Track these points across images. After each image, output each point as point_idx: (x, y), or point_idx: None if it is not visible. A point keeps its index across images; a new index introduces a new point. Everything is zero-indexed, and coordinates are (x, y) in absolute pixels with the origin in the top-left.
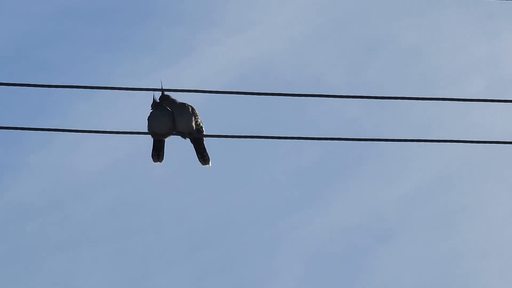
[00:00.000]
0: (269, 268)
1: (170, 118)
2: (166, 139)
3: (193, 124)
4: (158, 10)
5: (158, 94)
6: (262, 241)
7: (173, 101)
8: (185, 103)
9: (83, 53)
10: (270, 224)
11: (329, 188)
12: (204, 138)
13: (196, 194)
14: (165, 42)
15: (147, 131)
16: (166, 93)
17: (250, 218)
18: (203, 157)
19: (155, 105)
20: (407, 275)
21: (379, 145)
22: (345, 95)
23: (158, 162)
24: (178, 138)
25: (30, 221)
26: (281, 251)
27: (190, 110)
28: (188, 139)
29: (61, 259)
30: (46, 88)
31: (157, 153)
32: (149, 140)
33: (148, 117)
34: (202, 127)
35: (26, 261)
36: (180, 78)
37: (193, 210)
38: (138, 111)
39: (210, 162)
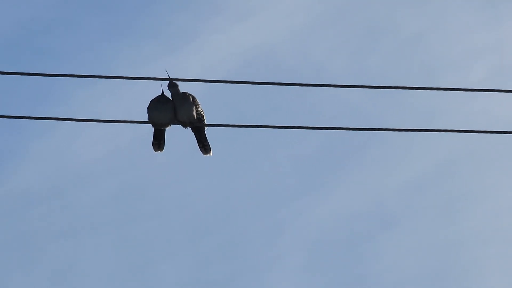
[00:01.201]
0: (271, 255)
1: (171, 109)
2: (167, 129)
3: (194, 113)
4: None
5: (165, 86)
6: (265, 229)
7: (177, 90)
8: (186, 92)
9: (86, 40)
10: (272, 211)
11: (332, 176)
12: (205, 127)
13: (198, 183)
14: (168, 29)
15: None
16: (174, 81)
17: (253, 205)
18: (204, 147)
19: (158, 98)
20: (410, 262)
21: (382, 133)
22: (347, 84)
23: (159, 151)
24: (179, 127)
25: (31, 209)
26: (283, 238)
27: (191, 99)
28: (189, 128)
29: (63, 246)
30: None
31: (158, 142)
32: (150, 128)
33: (148, 106)
34: (203, 116)
35: (28, 248)
36: (182, 65)
37: (196, 198)
38: (140, 98)
39: (211, 151)
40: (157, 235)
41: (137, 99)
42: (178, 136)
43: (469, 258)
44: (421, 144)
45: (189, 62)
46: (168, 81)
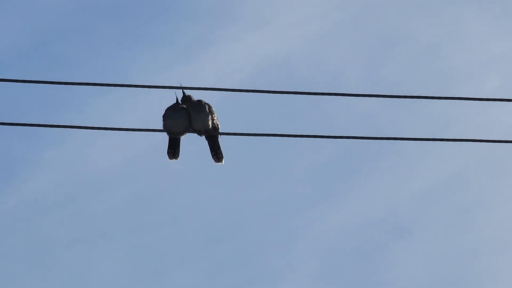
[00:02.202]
0: (285, 264)
1: (186, 117)
2: (182, 137)
3: (210, 122)
4: (176, 5)
5: (179, 94)
6: (278, 237)
7: (190, 99)
8: (201, 101)
9: (101, 48)
10: (286, 220)
11: (345, 185)
12: (219, 135)
13: (213, 191)
14: (183, 37)
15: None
16: (187, 93)
17: (266, 214)
18: (217, 155)
19: (173, 106)
20: (423, 271)
21: (396, 142)
22: (361, 93)
23: (174, 159)
24: (193, 134)
25: (46, 216)
26: (297, 247)
27: (207, 108)
28: (203, 136)
29: (77, 254)
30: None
31: (173, 151)
32: (165, 136)
33: (163, 115)
34: (218, 125)
35: (42, 256)
36: (197, 74)
37: (210, 206)
38: (155, 106)
39: (223, 160)
40: (170, 243)
41: (152, 107)
42: (193, 144)
43: (483, 267)
44: (435, 154)
45: (203, 70)
46: (182, 95)
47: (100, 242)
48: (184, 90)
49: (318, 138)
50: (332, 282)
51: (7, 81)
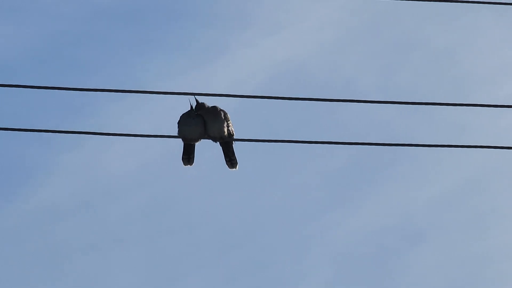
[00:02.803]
0: (299, 269)
1: (201, 124)
2: (197, 143)
3: (225, 129)
4: (191, 11)
5: (193, 101)
6: (292, 243)
7: (204, 106)
8: (217, 108)
9: (116, 54)
10: (300, 226)
11: (360, 191)
12: (233, 142)
13: (227, 197)
14: (198, 43)
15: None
16: (200, 101)
17: (280, 220)
18: (231, 161)
19: (188, 112)
20: (437, 277)
21: (411, 149)
22: (376, 100)
23: (189, 165)
24: (207, 140)
25: (61, 222)
26: (311, 252)
27: (222, 115)
28: (217, 142)
29: (92, 259)
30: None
31: (188, 157)
32: (180, 142)
33: (179, 121)
34: (233, 131)
35: (57, 261)
36: (212, 79)
37: (224, 212)
38: (170, 112)
39: (237, 166)
40: (185, 249)
41: (167, 113)
42: (207, 150)
43: (497, 273)
44: (450, 160)
45: (218, 76)
46: (196, 103)
47: (115, 248)
48: (197, 98)
49: (333, 145)
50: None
51: (22, 87)
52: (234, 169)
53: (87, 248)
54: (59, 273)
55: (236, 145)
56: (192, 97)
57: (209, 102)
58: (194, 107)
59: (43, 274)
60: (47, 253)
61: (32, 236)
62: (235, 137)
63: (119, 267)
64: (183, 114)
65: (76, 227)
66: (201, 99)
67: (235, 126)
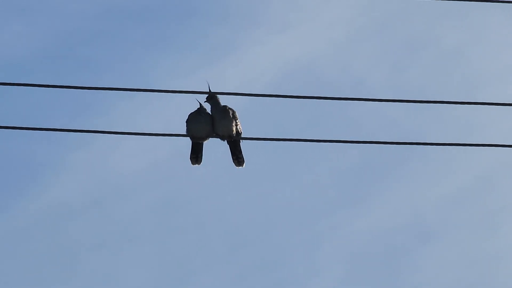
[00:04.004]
0: (310, 268)
1: (209, 122)
2: (204, 142)
3: (234, 128)
4: (202, 9)
5: (201, 100)
6: (303, 241)
7: (216, 103)
8: (226, 107)
9: (126, 52)
10: (311, 224)
11: (371, 189)
12: (241, 140)
13: (237, 195)
14: (208, 41)
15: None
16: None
17: (291, 218)
18: (238, 159)
19: (197, 111)
20: (449, 275)
21: (421, 147)
22: (386, 98)
23: (197, 165)
24: (214, 139)
25: (70, 221)
26: (322, 251)
27: (231, 114)
28: (225, 141)
29: (101, 258)
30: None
31: (196, 156)
32: (188, 141)
33: (187, 120)
34: (241, 130)
35: (67, 260)
36: (222, 77)
37: (235, 210)
38: (180, 111)
39: (244, 164)
40: (194, 248)
41: (177, 112)
42: (214, 148)
43: (508, 271)
44: (460, 158)
45: (228, 75)
46: (208, 92)
47: (125, 246)
48: (210, 92)
49: (343, 143)
50: (357, 286)
51: (32, 86)
52: (241, 167)
53: (97, 247)
54: (69, 272)
55: (246, 144)
56: (200, 97)
57: (220, 99)
58: (206, 98)
59: (53, 272)
60: (57, 252)
61: (42, 235)
62: (243, 135)
63: (128, 266)
64: (191, 113)
65: (85, 226)
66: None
67: (244, 125)
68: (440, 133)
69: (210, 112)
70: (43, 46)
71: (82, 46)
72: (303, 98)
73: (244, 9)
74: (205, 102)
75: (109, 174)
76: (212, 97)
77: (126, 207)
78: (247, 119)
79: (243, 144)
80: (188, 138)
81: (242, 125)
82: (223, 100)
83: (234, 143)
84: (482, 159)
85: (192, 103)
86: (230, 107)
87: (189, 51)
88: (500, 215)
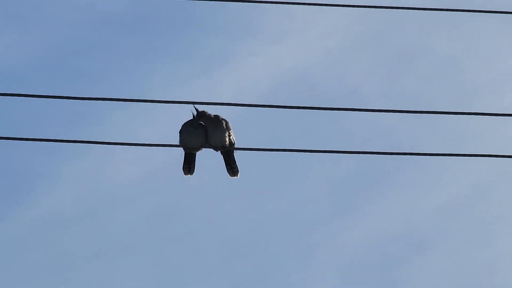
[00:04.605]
0: (304, 277)
1: (203, 133)
2: (197, 152)
3: (227, 138)
4: (196, 19)
5: (194, 111)
6: (298, 251)
7: (208, 115)
8: (219, 117)
9: (121, 62)
10: (305, 234)
11: (365, 199)
12: (235, 150)
13: (230, 206)
14: (202, 51)
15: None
16: (201, 109)
17: (286, 228)
18: (232, 169)
19: (190, 121)
20: (443, 285)
21: (415, 157)
22: (380, 108)
23: (189, 175)
24: (208, 149)
25: (66, 230)
26: (316, 260)
27: (224, 124)
28: (219, 151)
29: (97, 268)
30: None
31: (188, 166)
32: (182, 151)
33: (180, 130)
34: (234, 140)
35: (62, 270)
36: (217, 87)
37: (228, 221)
38: (174, 121)
39: (238, 174)
40: (189, 257)
41: (172, 122)
42: (208, 158)
43: (502, 281)
44: (454, 168)
45: (223, 84)
46: (196, 111)
47: (120, 256)
48: (196, 107)
49: (337, 153)
50: None
51: (26, 96)
52: (236, 177)
53: (92, 256)
54: (65, 281)
55: (241, 154)
56: (194, 106)
57: (213, 110)
58: (195, 116)
59: (49, 282)
60: (53, 261)
61: (38, 245)
62: (236, 145)
63: (124, 275)
64: (185, 123)
65: (81, 235)
66: (202, 107)
67: (239, 135)
68: (434, 143)
69: (203, 123)
70: (38, 55)
71: (77, 56)
72: (298, 108)
73: (239, 19)
74: (198, 123)
75: (104, 184)
76: (201, 115)
77: (121, 217)
78: (242, 129)
79: (237, 154)
80: (182, 148)
81: (236, 135)
82: (217, 110)
83: (228, 153)
84: (476, 169)
85: (187, 113)
86: (223, 117)
87: (184, 61)
88: (494, 225)
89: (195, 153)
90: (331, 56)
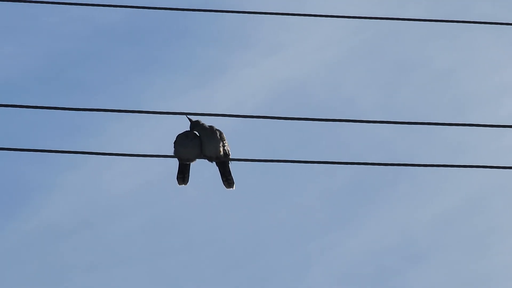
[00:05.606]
0: None
1: (197, 144)
2: (192, 163)
3: (221, 149)
4: (192, 31)
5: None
6: (294, 262)
7: (202, 125)
8: (213, 127)
9: (117, 73)
10: (301, 245)
11: (361, 211)
12: (230, 161)
13: (226, 217)
14: (199, 63)
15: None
16: (195, 119)
17: (282, 239)
18: (228, 180)
19: (185, 133)
20: None
21: (411, 168)
22: (376, 120)
23: (183, 185)
24: (204, 160)
25: (61, 242)
26: (312, 272)
27: (218, 135)
28: (214, 162)
29: (92, 279)
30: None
31: (182, 176)
32: (177, 162)
33: (175, 141)
34: (228, 151)
35: (57, 281)
36: (213, 99)
37: (224, 232)
38: (170, 132)
39: (234, 185)
40: (185, 269)
41: (168, 133)
42: (203, 169)
43: None
44: (450, 180)
45: (219, 96)
46: (190, 122)
47: (115, 267)
48: (190, 117)
49: (333, 164)
50: None
51: (22, 107)
52: (231, 188)
53: (87, 268)
54: None
55: (237, 165)
56: (187, 116)
57: (209, 121)
58: (189, 127)
59: None
60: (47, 273)
61: (32, 256)
62: (231, 156)
63: (119, 287)
64: (179, 134)
65: (76, 247)
66: (197, 118)
67: (235, 146)
68: (430, 154)
69: (198, 133)
70: (34, 67)
71: (73, 67)
72: (293, 119)
73: (235, 31)
74: (193, 132)
75: (100, 195)
76: (196, 124)
77: (117, 228)
78: (238, 141)
79: (232, 165)
80: (176, 159)
81: (232, 147)
82: (213, 122)
83: (223, 164)
84: (472, 180)
85: (183, 124)
86: (217, 128)
87: (180, 72)
88: (489, 236)
89: (190, 164)
90: (327, 67)
